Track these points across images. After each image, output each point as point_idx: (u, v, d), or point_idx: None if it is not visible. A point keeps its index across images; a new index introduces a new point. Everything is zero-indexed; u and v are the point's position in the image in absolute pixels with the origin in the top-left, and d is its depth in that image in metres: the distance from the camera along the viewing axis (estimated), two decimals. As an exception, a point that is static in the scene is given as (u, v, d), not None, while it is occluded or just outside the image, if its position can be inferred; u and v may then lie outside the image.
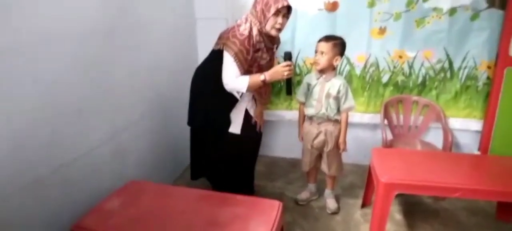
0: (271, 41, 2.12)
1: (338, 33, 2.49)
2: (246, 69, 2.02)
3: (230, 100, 2.10)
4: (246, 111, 2.21)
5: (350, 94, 2.22)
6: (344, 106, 2.21)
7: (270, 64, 2.17)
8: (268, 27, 2.00)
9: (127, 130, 2.15)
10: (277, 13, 1.96)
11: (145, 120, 2.34)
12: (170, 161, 2.72)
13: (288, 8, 2.02)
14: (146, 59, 2.30)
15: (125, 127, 2.13)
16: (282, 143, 3.19)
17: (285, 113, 3.02)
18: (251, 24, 2.00)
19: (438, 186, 1.91)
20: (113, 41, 1.95)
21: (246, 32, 1.97)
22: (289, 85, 2.09)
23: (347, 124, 2.26)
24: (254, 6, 2.04)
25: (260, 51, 2.06)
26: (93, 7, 1.79)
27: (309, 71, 2.84)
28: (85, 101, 1.78)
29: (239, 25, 2.02)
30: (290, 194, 2.60)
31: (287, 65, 1.99)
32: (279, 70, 2.01)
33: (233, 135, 2.17)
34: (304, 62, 2.89)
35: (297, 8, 2.72)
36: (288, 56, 2.03)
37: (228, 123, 2.15)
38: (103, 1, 1.86)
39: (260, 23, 2.00)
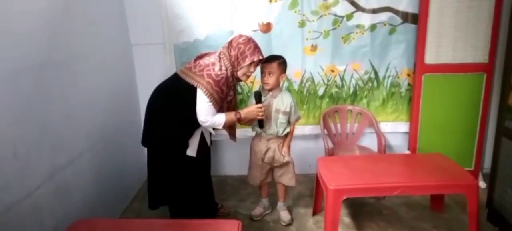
0: (238, 81, 2.25)
1: (274, 52, 2.62)
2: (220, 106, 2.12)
3: (191, 126, 2.14)
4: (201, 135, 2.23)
5: (296, 107, 2.38)
6: (293, 118, 2.36)
7: (234, 99, 2.35)
8: (240, 73, 2.15)
9: (68, 167, 2.03)
10: (251, 63, 2.09)
11: (87, 153, 2.22)
12: (116, 194, 2.59)
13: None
14: (83, 91, 2.20)
15: (67, 163, 2.01)
16: (229, 161, 3.23)
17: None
18: (226, 66, 2.09)
19: (380, 186, 2.08)
20: (46, 76, 1.85)
21: (221, 73, 2.04)
22: (261, 122, 2.25)
23: (293, 131, 2.42)
24: (229, 48, 2.13)
25: (228, 89, 2.18)
26: (21, 43, 1.68)
27: (250, 89, 2.94)
28: (20, 142, 1.66)
29: (213, 64, 2.07)
30: (244, 211, 2.63)
31: (261, 107, 2.17)
32: (254, 111, 2.18)
33: (189, 158, 2.18)
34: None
35: (233, 30, 2.82)
36: (258, 96, 2.20)
37: (186, 146, 2.16)
38: (32, 36, 1.76)
39: (233, 67, 2.12)
